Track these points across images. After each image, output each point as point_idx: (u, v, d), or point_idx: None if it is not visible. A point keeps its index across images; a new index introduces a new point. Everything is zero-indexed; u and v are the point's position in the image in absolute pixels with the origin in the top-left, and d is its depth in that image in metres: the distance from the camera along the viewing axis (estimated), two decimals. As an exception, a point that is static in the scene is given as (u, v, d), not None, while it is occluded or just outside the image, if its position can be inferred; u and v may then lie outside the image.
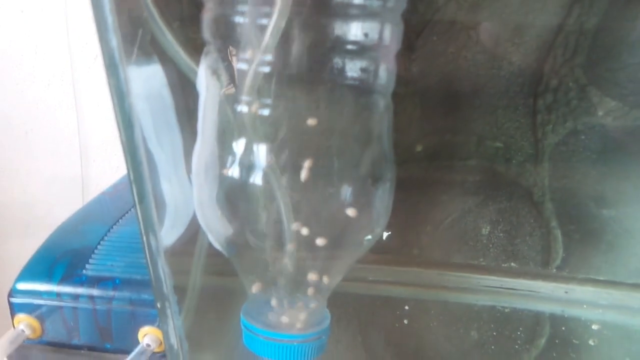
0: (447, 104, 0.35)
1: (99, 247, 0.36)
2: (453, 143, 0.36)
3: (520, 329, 0.37)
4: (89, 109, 0.64)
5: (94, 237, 0.36)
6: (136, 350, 0.30)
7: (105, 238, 0.37)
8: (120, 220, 0.39)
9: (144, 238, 0.21)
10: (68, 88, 0.63)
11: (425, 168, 0.37)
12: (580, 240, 0.35)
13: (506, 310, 0.38)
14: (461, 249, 0.38)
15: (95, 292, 0.33)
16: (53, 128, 0.67)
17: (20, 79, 0.65)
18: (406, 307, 0.37)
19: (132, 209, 0.39)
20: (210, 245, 0.33)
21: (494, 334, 0.37)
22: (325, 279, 0.25)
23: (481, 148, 0.35)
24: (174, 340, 0.23)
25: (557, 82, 0.33)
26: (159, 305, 0.22)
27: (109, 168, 0.67)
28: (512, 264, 0.37)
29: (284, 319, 0.26)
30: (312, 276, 0.25)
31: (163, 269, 0.21)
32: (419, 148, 0.37)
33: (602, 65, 0.32)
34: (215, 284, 0.36)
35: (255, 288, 0.26)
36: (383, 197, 0.26)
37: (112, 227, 0.38)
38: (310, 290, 0.26)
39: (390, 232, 0.38)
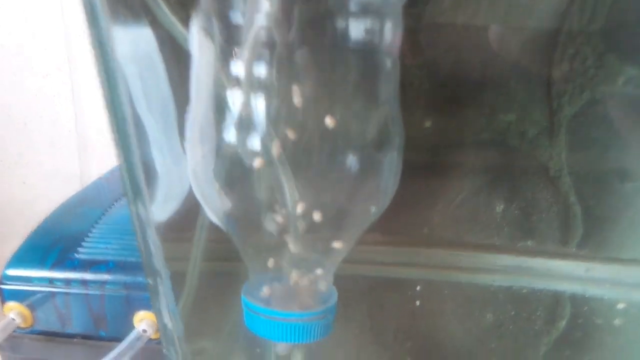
0: (456, 75, 0.33)
1: (93, 230, 0.34)
2: (463, 117, 0.34)
3: (540, 310, 0.35)
4: (87, 99, 0.62)
5: (88, 221, 0.35)
6: (131, 336, 0.28)
7: (100, 221, 0.35)
8: (116, 204, 0.37)
9: (132, 207, 0.19)
10: (66, 78, 0.61)
11: (434, 144, 0.35)
12: (601, 216, 0.34)
13: (523, 291, 0.36)
14: (474, 227, 0.36)
15: (87, 276, 0.31)
16: (52, 119, 0.66)
17: (18, 69, 0.64)
18: (417, 288, 0.35)
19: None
20: (210, 227, 0.32)
21: (512, 315, 0.36)
22: (329, 252, 0.23)
23: (493, 122, 0.34)
24: (167, 319, 0.21)
25: (573, 50, 0.31)
26: (150, 282, 0.20)
27: (108, 158, 0.65)
28: (529, 242, 0.35)
29: (287, 297, 0.24)
30: (316, 249, 0.23)
31: (154, 241, 0.19)
32: (427, 123, 0.35)
33: (621, 32, 0.30)
34: (216, 269, 0.34)
35: (255, 264, 0.24)
36: (391, 164, 0.24)
37: (107, 210, 0.36)
38: (314, 265, 0.24)
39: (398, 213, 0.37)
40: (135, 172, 0.18)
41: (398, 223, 0.36)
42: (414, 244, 0.37)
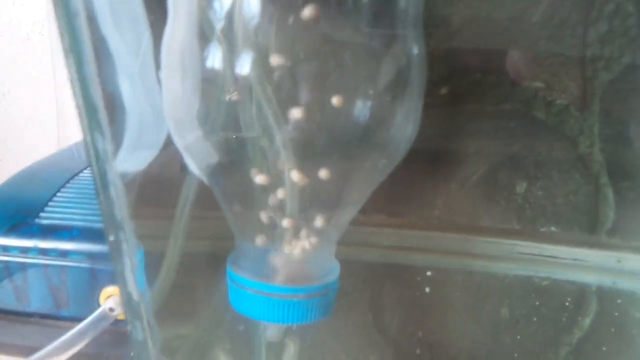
0: (476, 35, 0.30)
1: (59, 194, 0.30)
2: (484, 83, 0.31)
3: (562, 305, 0.32)
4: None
5: (55, 184, 0.30)
6: (95, 314, 0.24)
7: (68, 185, 0.30)
8: (89, 169, 0.33)
9: (87, 137, 0.15)
10: (47, 42, 0.57)
11: (450, 114, 0.32)
12: (636, 199, 0.30)
13: (544, 283, 0.32)
14: (491, 210, 0.32)
15: (47, 244, 0.26)
16: (31, 86, 0.61)
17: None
18: (428, 274, 0.31)
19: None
20: (196, 201, 0.28)
21: (529, 310, 0.32)
22: (332, 214, 0.19)
23: (517, 89, 0.30)
24: (132, 287, 0.17)
25: (613, 6, 0.28)
26: (110, 237, 0.16)
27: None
28: (552, 228, 0.32)
29: (281, 268, 0.20)
30: (316, 209, 0.19)
31: (114, 182, 0.15)
32: (443, 90, 0.31)
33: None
34: (200, 250, 0.30)
35: (243, 227, 0.20)
36: (408, 113, 0.20)
37: (78, 174, 0.32)
38: (314, 229, 0.20)
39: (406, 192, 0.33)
40: (90, 89, 0.14)
41: (405, 203, 0.33)
42: (423, 226, 0.33)
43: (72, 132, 0.61)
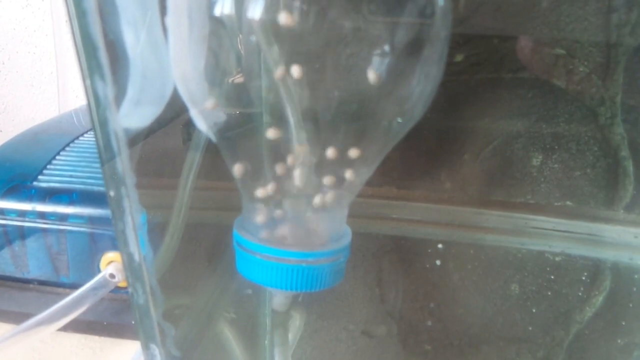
0: None
1: (58, 157, 0.28)
2: (501, 50, 0.30)
3: (574, 282, 0.31)
4: (67, 33, 0.57)
5: (54, 147, 0.29)
6: (94, 280, 0.23)
7: (68, 149, 0.29)
8: (91, 132, 0.31)
9: (87, 81, 0.13)
10: (47, 8, 0.56)
11: (465, 82, 0.31)
12: (657, 174, 0.29)
13: (557, 259, 0.31)
14: (505, 183, 0.31)
15: (46, 207, 0.25)
16: (31, 54, 0.60)
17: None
18: (439, 246, 0.30)
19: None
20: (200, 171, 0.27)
21: (541, 285, 0.31)
22: (345, 173, 0.18)
23: (537, 56, 0.29)
24: (134, 247, 0.16)
25: None
26: (111, 194, 0.15)
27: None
28: (568, 202, 0.31)
29: (290, 231, 0.19)
30: (328, 167, 0.18)
31: (116, 132, 0.14)
32: (458, 57, 0.30)
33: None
34: (204, 220, 0.30)
35: (252, 188, 0.19)
36: (429, 69, 0.19)
37: (79, 137, 0.30)
38: (326, 189, 0.19)
39: (417, 162, 0.32)
40: (90, 26, 0.13)
41: (416, 175, 0.32)
42: (434, 199, 0.32)
43: (73, 101, 0.60)
